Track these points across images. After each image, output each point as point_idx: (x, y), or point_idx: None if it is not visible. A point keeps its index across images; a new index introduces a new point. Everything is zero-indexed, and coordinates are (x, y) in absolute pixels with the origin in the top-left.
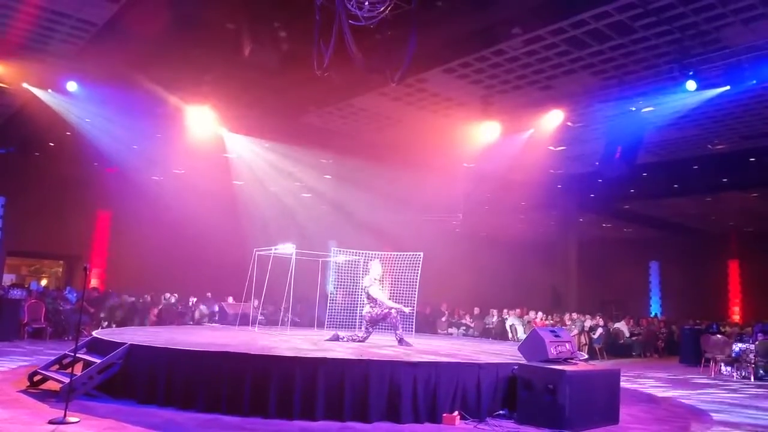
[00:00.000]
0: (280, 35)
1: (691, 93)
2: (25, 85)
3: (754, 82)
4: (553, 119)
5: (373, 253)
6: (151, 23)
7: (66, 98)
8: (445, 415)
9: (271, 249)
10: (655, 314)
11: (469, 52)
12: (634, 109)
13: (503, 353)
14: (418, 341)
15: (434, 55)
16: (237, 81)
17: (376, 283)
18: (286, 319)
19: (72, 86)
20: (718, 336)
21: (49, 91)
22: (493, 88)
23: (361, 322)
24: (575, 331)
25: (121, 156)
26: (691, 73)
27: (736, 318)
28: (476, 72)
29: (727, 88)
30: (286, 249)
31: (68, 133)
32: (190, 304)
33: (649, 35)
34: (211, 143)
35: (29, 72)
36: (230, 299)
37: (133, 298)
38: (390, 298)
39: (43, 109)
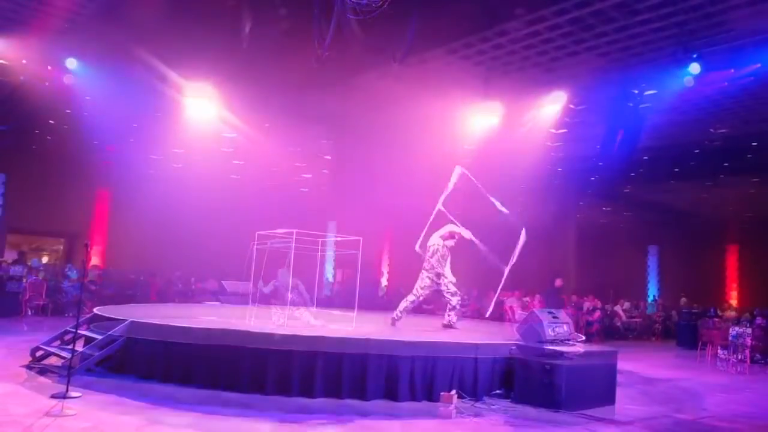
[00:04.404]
0: (281, 13)
1: (694, 76)
2: (24, 61)
3: (759, 65)
4: (555, 101)
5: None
6: (151, 0)
7: (66, 75)
8: (442, 393)
9: (271, 232)
10: (654, 299)
11: (472, 32)
12: (636, 92)
13: (500, 334)
14: (416, 321)
15: (437, 35)
16: (237, 60)
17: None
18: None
19: (72, 63)
20: (716, 320)
21: (49, 68)
22: (495, 70)
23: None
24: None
25: (120, 134)
26: (695, 55)
27: (734, 303)
28: (479, 53)
29: (731, 71)
30: (287, 233)
31: (68, 111)
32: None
33: (653, 17)
34: (211, 122)
35: (29, 49)
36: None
37: (133, 276)
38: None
39: (42, 86)
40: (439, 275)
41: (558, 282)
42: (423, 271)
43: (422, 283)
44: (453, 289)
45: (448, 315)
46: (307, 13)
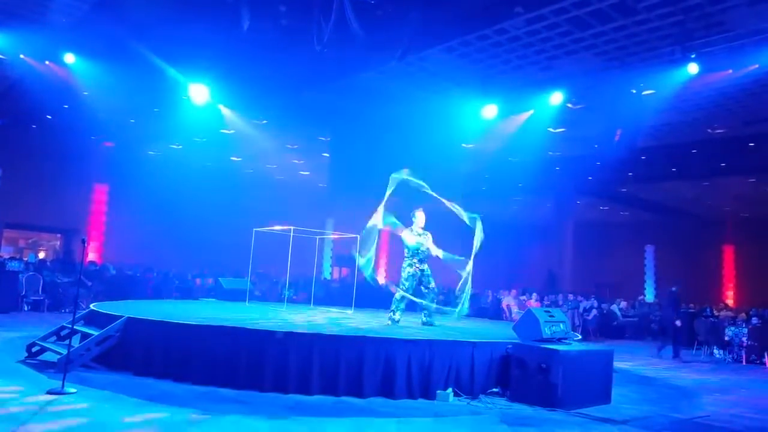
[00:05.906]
0: (280, 10)
1: (692, 76)
2: (22, 56)
3: (757, 66)
4: (553, 100)
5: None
6: None
7: (64, 70)
8: (438, 391)
9: (269, 228)
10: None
11: (470, 31)
12: (634, 92)
13: (497, 333)
14: (413, 319)
15: (436, 33)
16: (235, 56)
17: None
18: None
19: (70, 58)
20: (712, 320)
21: (47, 62)
22: (493, 68)
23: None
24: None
25: (118, 129)
26: (693, 56)
27: (730, 302)
28: (477, 51)
29: (729, 71)
30: (284, 229)
31: (66, 106)
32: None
33: (652, 17)
34: (209, 118)
35: (27, 43)
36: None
37: (130, 271)
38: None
39: (40, 81)
40: (423, 261)
41: (674, 288)
42: (405, 259)
43: (406, 273)
44: (433, 284)
45: (425, 313)
46: (306, 10)
